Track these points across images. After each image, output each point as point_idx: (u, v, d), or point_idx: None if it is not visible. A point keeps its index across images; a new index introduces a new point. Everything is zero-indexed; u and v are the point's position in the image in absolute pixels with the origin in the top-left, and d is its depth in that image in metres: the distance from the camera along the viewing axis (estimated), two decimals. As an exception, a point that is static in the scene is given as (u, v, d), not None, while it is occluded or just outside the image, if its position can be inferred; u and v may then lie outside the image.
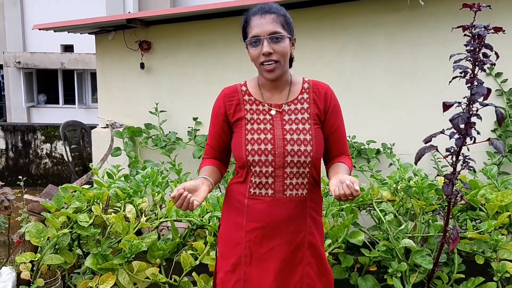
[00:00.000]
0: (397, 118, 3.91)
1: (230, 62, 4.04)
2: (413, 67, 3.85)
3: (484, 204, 2.69)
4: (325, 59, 3.95)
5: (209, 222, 2.60)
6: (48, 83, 13.44)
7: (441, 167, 3.78)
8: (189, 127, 4.10)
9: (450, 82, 2.15)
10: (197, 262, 2.52)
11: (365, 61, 3.90)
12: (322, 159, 1.80)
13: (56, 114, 12.33)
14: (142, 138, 4.00)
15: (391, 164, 3.74)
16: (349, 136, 3.86)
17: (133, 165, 3.55)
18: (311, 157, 1.67)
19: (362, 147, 3.86)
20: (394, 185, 2.83)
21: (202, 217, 2.65)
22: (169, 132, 4.09)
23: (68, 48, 12.79)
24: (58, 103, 13.42)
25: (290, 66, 1.78)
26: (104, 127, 4.30)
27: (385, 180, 3.32)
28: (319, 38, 3.93)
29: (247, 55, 1.68)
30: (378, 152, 3.82)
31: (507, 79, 3.70)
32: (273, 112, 1.72)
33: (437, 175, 2.44)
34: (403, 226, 2.59)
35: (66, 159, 5.68)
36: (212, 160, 1.82)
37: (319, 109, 1.73)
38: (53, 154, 8.36)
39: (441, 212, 2.48)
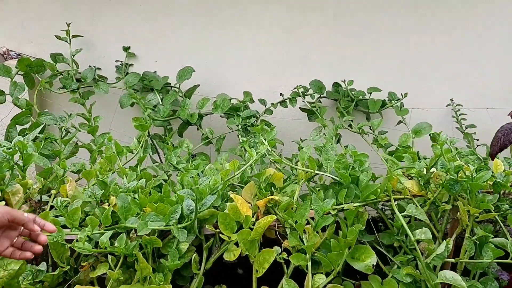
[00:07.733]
0: (410, 54, 2.79)
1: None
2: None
3: None
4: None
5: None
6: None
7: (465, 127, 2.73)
8: (117, 61, 2.89)
9: None
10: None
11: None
12: None
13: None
14: (44, 76, 2.77)
15: (400, 121, 2.67)
16: (344, 81, 2.74)
17: (20, 119, 2.31)
18: None
19: (361, 96, 2.75)
20: (425, 171, 1.76)
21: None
22: (89, 66, 2.87)
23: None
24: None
25: None
26: (-4, 58, 3.05)
27: (396, 148, 2.31)
28: None
29: None
30: (383, 104, 2.72)
31: None
32: None
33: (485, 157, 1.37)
34: (442, 247, 1.55)
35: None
36: None
37: None
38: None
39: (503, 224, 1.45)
